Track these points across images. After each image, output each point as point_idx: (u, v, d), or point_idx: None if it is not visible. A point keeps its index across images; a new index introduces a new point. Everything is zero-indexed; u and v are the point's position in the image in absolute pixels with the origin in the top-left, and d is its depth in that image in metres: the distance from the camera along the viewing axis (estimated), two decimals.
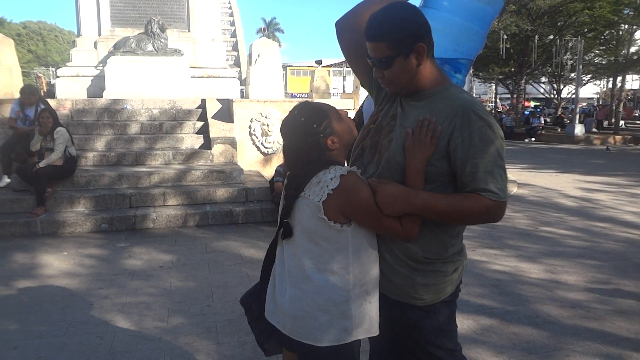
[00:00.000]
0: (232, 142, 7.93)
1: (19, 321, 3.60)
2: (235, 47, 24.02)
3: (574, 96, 25.55)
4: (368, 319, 1.64)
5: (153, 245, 5.47)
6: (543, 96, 36.17)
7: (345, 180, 1.53)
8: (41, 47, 52.35)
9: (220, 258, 5.05)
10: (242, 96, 11.79)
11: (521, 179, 10.29)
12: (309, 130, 1.58)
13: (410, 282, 1.66)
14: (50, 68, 36.01)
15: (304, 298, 1.60)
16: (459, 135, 1.52)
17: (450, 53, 1.78)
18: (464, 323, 3.51)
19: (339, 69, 39.50)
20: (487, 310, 3.76)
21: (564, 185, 9.86)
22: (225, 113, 8.59)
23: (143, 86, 9.86)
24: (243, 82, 14.67)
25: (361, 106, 5.30)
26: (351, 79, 14.14)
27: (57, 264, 4.86)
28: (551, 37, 26.20)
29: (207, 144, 8.02)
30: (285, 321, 1.65)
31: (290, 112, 1.64)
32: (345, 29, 1.85)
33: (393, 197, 1.51)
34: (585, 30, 24.80)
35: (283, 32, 66.41)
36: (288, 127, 1.63)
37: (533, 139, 22.82)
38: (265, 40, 9.44)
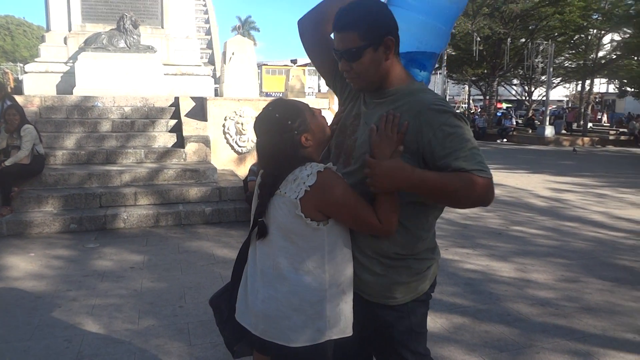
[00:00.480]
0: (205, 141, 7.84)
1: None
2: (209, 45, 23.72)
3: (544, 98, 26.10)
4: (343, 319, 1.63)
5: (124, 246, 5.37)
6: (515, 98, 36.85)
7: (322, 176, 1.52)
8: (9, 42, 50.90)
9: (193, 258, 4.99)
10: (216, 94, 11.67)
11: (494, 179, 10.44)
12: (283, 127, 1.56)
13: (383, 280, 1.64)
14: (19, 64, 34.99)
15: (279, 298, 1.58)
16: (429, 130, 1.50)
17: (413, 48, 1.77)
18: (436, 322, 3.54)
19: (314, 68, 39.48)
20: (459, 308, 3.81)
21: (535, 185, 10.07)
22: (199, 111, 8.50)
23: (115, 83, 9.67)
24: (217, 80, 14.53)
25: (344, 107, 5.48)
26: None
27: (23, 266, 4.72)
28: (523, 40, 26.72)
29: (181, 142, 7.92)
30: (257, 322, 1.62)
31: (264, 108, 1.62)
32: (309, 27, 1.82)
33: (390, 170, 1.46)
34: (556, 34, 25.39)
35: (259, 31, 66.19)
36: (262, 123, 1.61)
37: (505, 139, 23.22)
38: (240, 38, 9.37)
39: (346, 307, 1.64)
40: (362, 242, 1.64)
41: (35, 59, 10.57)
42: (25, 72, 10.46)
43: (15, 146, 6.16)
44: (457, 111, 1.56)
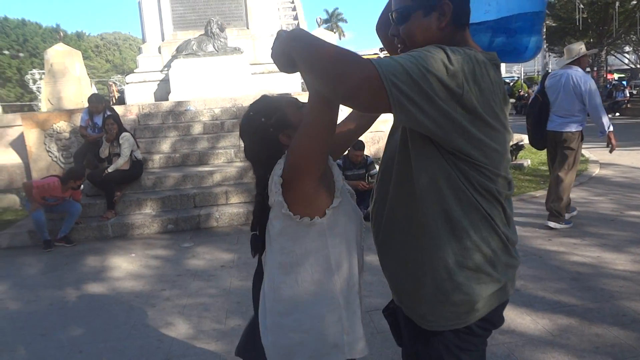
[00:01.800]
0: None
1: (87, 324, 3.71)
2: None
3: (549, 70, 23.40)
4: (361, 335, 1.44)
5: (216, 245, 5.51)
6: (628, 67, 33.45)
7: (286, 157, 1.33)
8: (117, 56, 55.36)
9: None
10: (304, 89, 11.73)
11: (604, 158, 9.47)
12: (259, 126, 1.42)
13: (415, 294, 1.35)
14: (126, 75, 37.98)
15: (284, 323, 1.39)
16: None
17: (482, 16, 1.45)
18: (538, 323, 3.20)
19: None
20: (565, 308, 3.41)
21: None
22: None
23: (205, 86, 10.04)
24: None
25: (542, 84, 5.34)
26: None
27: (125, 266, 5.00)
28: (634, 2, 24.08)
29: None
30: (270, 356, 1.45)
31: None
32: (380, 28, 1.67)
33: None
34: None
35: (346, 22, 65.98)
36: (241, 125, 1.50)
37: (617, 114, 21.13)
38: (322, 30, 9.32)
39: (359, 311, 1.44)
40: (396, 241, 1.37)
41: (135, 70, 11.29)
42: (127, 83, 11.20)
43: (116, 154, 6.58)
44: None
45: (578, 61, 5.20)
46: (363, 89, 1.09)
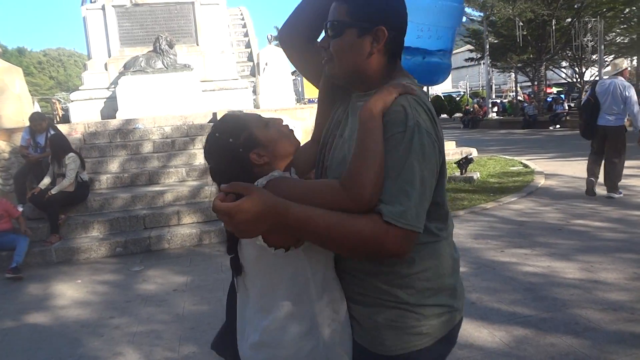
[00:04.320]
0: None
1: (28, 358, 3.46)
2: (250, 58, 24.03)
3: (597, 79, 24.74)
4: (340, 348, 1.38)
5: (168, 267, 5.31)
6: (565, 81, 35.20)
7: (269, 186, 1.27)
8: (62, 72, 53.56)
9: None
10: (255, 106, 11.66)
11: (548, 169, 9.86)
12: (226, 146, 1.33)
13: (371, 320, 1.32)
14: (71, 93, 36.77)
15: (266, 342, 1.35)
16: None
17: (414, 39, 1.48)
18: (495, 335, 3.22)
19: None
20: (520, 318, 3.46)
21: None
22: None
23: (155, 104, 9.80)
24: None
25: (593, 89, 6.98)
26: None
27: (70, 293, 4.73)
28: (569, 20, 25.43)
29: None
30: None
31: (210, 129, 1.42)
32: (288, 35, 1.59)
33: (254, 214, 1.07)
34: (604, 9, 23.99)
35: None
36: (206, 147, 1.40)
37: (558, 126, 22.13)
38: (272, 48, 9.30)
39: (343, 327, 1.39)
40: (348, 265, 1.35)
41: (80, 87, 10.89)
42: (71, 101, 10.79)
43: (61, 174, 6.26)
44: (426, 121, 1.21)
45: (621, 72, 6.90)
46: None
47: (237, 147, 1.33)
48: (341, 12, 1.28)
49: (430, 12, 1.46)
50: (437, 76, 1.61)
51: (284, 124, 1.42)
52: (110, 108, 10.19)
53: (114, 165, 7.75)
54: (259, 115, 1.42)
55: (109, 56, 10.83)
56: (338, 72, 1.34)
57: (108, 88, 10.57)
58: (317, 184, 1.31)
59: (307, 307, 1.34)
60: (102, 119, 10.02)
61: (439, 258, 1.32)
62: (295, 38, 1.56)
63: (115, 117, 9.53)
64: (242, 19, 25.55)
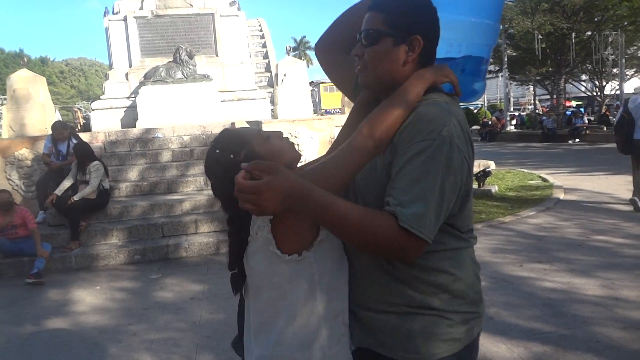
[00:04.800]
0: None
1: None
2: (268, 68, 24.26)
3: (618, 92, 24.46)
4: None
5: (185, 275, 5.36)
6: (585, 94, 34.84)
7: None
8: (83, 82, 54.55)
9: None
10: (273, 117, 11.77)
11: (567, 183, 9.75)
12: (226, 163, 1.33)
13: (405, 330, 1.31)
14: (92, 102, 37.45)
15: (268, 355, 1.35)
16: (405, 139, 1.22)
17: (443, 54, 1.46)
18: (513, 352, 3.19)
19: None
20: (539, 335, 3.42)
21: (616, 188, 9.25)
22: None
23: (174, 113, 9.94)
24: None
25: (626, 106, 7.15)
26: None
27: (89, 299, 4.80)
28: (589, 33, 25.23)
29: None
30: None
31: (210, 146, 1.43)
32: (322, 47, 1.65)
33: (281, 192, 1.08)
34: (625, 23, 23.76)
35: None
36: (207, 164, 1.41)
37: (577, 139, 21.87)
38: (291, 59, 9.37)
39: (344, 352, 1.38)
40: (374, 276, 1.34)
41: (101, 97, 11.10)
42: (93, 110, 10.99)
43: (84, 181, 6.36)
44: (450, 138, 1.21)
45: None
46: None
47: (238, 163, 1.29)
48: (377, 21, 1.30)
49: (463, 28, 1.46)
50: (471, 95, 1.59)
51: (284, 136, 1.44)
52: (130, 117, 10.36)
53: (133, 174, 7.86)
54: (259, 129, 1.44)
55: (130, 66, 11.03)
56: (371, 80, 1.35)
57: (128, 97, 10.76)
58: (327, 160, 1.30)
59: (314, 317, 1.33)
60: (122, 127, 10.19)
61: (469, 264, 1.36)
62: (331, 50, 1.61)
63: (135, 126, 9.67)
64: (260, 30, 25.86)
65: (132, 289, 5.06)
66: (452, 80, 1.33)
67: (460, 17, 1.46)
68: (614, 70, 25.03)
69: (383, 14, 1.30)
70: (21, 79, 8.15)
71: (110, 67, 11.44)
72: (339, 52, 1.58)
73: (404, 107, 1.25)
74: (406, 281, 1.30)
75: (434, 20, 1.33)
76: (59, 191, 6.30)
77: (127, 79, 10.94)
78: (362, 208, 1.16)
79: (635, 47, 26.84)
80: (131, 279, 5.35)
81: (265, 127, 8.23)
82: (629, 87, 34.11)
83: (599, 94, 29.80)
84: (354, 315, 1.38)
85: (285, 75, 8.85)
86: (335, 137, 1.61)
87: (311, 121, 8.39)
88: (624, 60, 22.35)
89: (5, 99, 10.00)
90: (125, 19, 11.05)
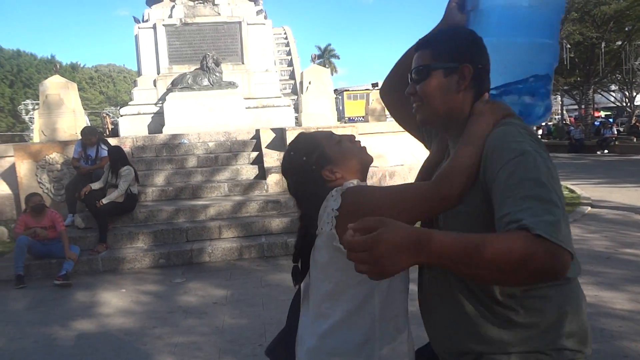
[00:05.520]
0: None
1: None
2: (292, 76, 24.46)
3: None
4: None
5: (208, 280, 5.42)
6: (614, 105, 34.14)
7: (346, 194, 1.34)
8: (111, 88, 55.75)
9: (275, 292, 4.90)
10: (297, 124, 11.83)
11: (595, 195, 9.55)
12: (301, 165, 1.44)
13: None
14: (120, 108, 38.24)
15: (320, 347, 1.41)
16: (491, 170, 1.20)
17: (500, 80, 1.47)
18: None
19: None
20: None
21: None
22: (279, 142, 8.58)
23: (200, 120, 10.09)
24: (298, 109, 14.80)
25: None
26: None
27: (115, 302, 4.89)
28: (619, 42, 24.79)
29: (262, 174, 8.01)
30: None
31: (287, 147, 1.54)
32: (386, 89, 1.74)
33: (396, 244, 0.96)
34: None
35: (339, 58, 66.88)
36: (283, 164, 1.53)
37: (606, 150, 21.43)
38: (315, 67, 9.45)
39: (402, 348, 1.42)
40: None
41: (129, 103, 11.34)
42: (121, 116, 11.22)
43: (114, 185, 6.50)
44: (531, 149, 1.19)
45: None
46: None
47: (311, 165, 1.43)
48: (425, 57, 1.36)
49: (523, 49, 1.47)
50: (542, 117, 1.57)
51: (356, 140, 1.51)
52: (157, 123, 10.55)
53: (159, 179, 8.00)
54: (332, 132, 1.51)
55: (158, 73, 11.24)
56: (429, 114, 1.38)
57: (156, 104, 10.96)
58: (402, 186, 1.36)
59: (368, 317, 1.38)
60: (149, 133, 10.39)
61: (579, 297, 1.33)
62: (393, 91, 1.68)
63: (161, 132, 9.85)
64: (286, 38, 26.00)
65: (156, 292, 5.13)
66: (510, 115, 1.33)
67: (516, 39, 1.47)
68: None
69: (429, 49, 1.36)
70: (53, 85, 8.39)
71: (139, 73, 11.69)
72: (401, 91, 1.58)
73: (476, 151, 1.26)
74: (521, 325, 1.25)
75: (480, 47, 1.37)
76: (92, 185, 6.47)
77: (155, 86, 11.15)
78: (484, 234, 1.03)
79: None
80: (156, 283, 5.44)
81: (290, 135, 8.28)
82: None
83: (628, 104, 29.18)
84: None
85: (309, 83, 8.92)
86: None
87: (334, 129, 8.35)
88: None
89: (37, 104, 10.29)
90: (154, 27, 11.30)
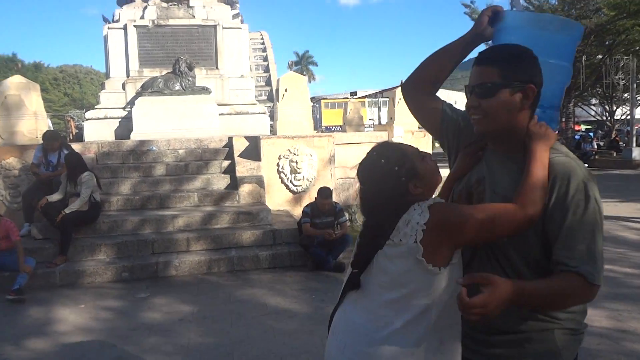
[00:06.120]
0: (259, 181, 7.81)
1: None
2: (268, 82, 24.40)
3: (629, 117, 24.57)
4: None
5: (174, 295, 5.32)
6: (594, 119, 35.04)
7: (434, 209, 1.47)
8: (77, 90, 54.85)
9: (244, 309, 4.84)
10: (272, 132, 11.80)
11: None
12: (390, 173, 1.52)
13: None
14: (85, 111, 37.63)
15: (376, 354, 1.49)
16: (560, 201, 1.45)
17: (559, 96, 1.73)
18: None
19: (374, 99, 39.50)
20: None
21: (625, 215, 9.26)
22: (253, 151, 8.53)
23: (170, 126, 9.96)
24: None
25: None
26: (387, 110, 14.02)
27: (72, 318, 4.75)
28: (600, 56, 25.50)
29: (234, 184, 7.93)
30: None
31: (367, 153, 1.61)
32: (410, 88, 1.85)
33: (505, 300, 1.34)
34: (637, 47, 24.03)
35: (317, 65, 67.44)
36: (367, 170, 1.58)
37: (586, 165, 21.91)
38: (292, 74, 9.44)
39: (454, 356, 1.55)
40: None
41: (96, 106, 11.14)
42: (86, 119, 11.01)
43: (75, 194, 6.33)
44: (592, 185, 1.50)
45: None
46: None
47: (401, 176, 1.52)
48: (492, 75, 1.50)
49: (544, 68, 1.58)
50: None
51: (432, 158, 1.61)
52: (125, 128, 10.37)
53: (125, 187, 7.85)
54: (416, 147, 1.62)
55: (128, 76, 11.08)
56: (490, 128, 1.55)
57: (124, 108, 10.79)
58: (488, 206, 1.50)
59: (424, 326, 1.48)
60: (116, 139, 10.20)
61: None
62: (417, 91, 1.81)
63: (129, 138, 9.68)
64: (263, 44, 26.03)
65: (118, 308, 5.01)
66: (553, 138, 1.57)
67: (540, 58, 1.60)
68: (625, 95, 25.19)
69: (498, 68, 1.49)
70: (14, 85, 8.17)
71: (107, 76, 11.50)
72: (424, 92, 1.79)
73: (546, 174, 1.47)
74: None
75: (539, 67, 1.53)
76: (50, 197, 6.28)
77: (124, 89, 10.98)
78: (550, 280, 1.43)
79: None
80: (118, 298, 5.31)
81: (264, 143, 8.26)
82: None
83: (609, 118, 29.97)
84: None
85: (286, 90, 8.89)
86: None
87: (311, 138, 8.40)
88: (635, 86, 22.52)
89: None
90: (125, 28, 11.14)
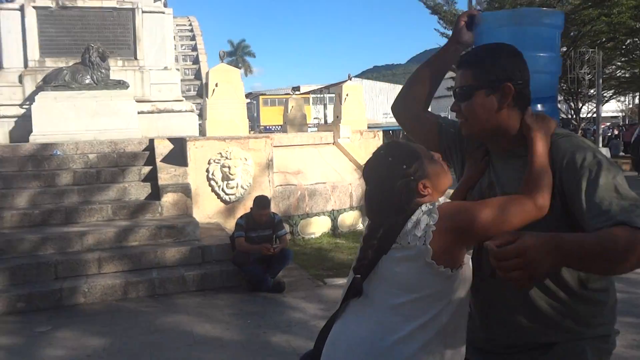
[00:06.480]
0: (185, 190, 7.69)
1: None
2: (198, 76, 24.13)
3: (595, 115, 25.86)
4: None
5: (82, 327, 5.15)
6: (560, 117, 36.71)
7: (443, 208, 1.57)
8: None
9: (166, 339, 4.75)
10: (201, 133, 11.67)
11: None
12: (397, 173, 1.62)
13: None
14: None
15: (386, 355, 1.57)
16: (570, 181, 1.56)
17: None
18: None
19: (319, 96, 39.80)
20: None
21: None
22: (179, 155, 8.40)
23: (79, 126, 9.71)
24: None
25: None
26: (333, 108, 14.10)
27: None
28: (564, 49, 26.74)
29: (156, 193, 7.78)
30: None
31: (374, 153, 1.72)
32: (402, 110, 2.03)
33: (540, 248, 1.30)
34: (604, 39, 25.33)
35: (254, 56, 67.12)
36: (373, 169, 1.69)
37: None
38: (224, 66, 9.35)
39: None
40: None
41: None
42: None
43: None
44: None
45: None
46: None
47: (409, 175, 1.62)
48: (467, 77, 1.69)
49: (531, 62, 1.72)
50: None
51: (443, 160, 1.74)
52: (22, 129, 10.00)
53: (22, 200, 7.53)
54: (424, 147, 1.73)
55: (25, 67, 10.72)
56: (474, 130, 1.73)
57: (21, 105, 10.43)
58: (497, 200, 1.60)
59: (433, 332, 1.56)
60: (11, 142, 9.86)
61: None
62: (408, 111, 2.02)
63: (28, 141, 9.37)
64: (191, 31, 25.75)
65: (11, 346, 4.79)
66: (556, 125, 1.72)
67: (525, 52, 1.74)
68: (591, 91, 26.49)
69: (471, 70, 1.68)
70: None
71: (0, 66, 11.04)
72: (416, 111, 2.00)
73: (547, 163, 1.60)
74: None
75: (520, 63, 1.67)
76: None
77: (21, 82, 10.62)
78: (596, 232, 1.42)
79: (613, 67, 28.58)
80: (11, 333, 5.07)
81: (191, 146, 8.16)
82: (608, 109, 36.18)
83: (574, 116, 31.41)
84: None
85: (216, 85, 8.82)
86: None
87: (246, 140, 8.34)
88: (601, 81, 23.73)
89: None
90: (22, 9, 10.78)
